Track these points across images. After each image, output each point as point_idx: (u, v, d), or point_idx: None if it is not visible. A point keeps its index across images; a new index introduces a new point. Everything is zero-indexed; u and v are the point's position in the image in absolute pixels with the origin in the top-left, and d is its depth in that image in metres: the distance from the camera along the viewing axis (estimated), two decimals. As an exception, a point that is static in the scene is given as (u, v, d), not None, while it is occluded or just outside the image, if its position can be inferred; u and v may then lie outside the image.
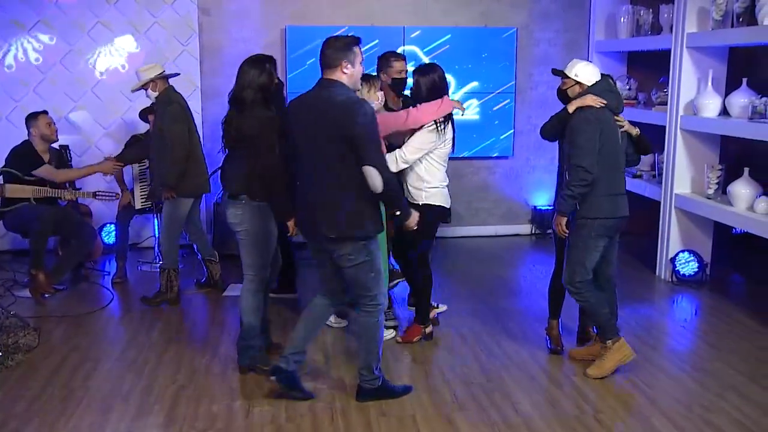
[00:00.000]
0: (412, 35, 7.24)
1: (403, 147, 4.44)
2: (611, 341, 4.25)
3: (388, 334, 4.79)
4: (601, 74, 4.26)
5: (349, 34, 3.75)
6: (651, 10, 6.76)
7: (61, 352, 4.57)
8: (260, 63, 4.15)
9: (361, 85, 4.52)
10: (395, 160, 4.39)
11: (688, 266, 6.08)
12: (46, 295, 5.59)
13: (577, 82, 4.22)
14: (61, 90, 6.82)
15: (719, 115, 5.77)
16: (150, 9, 6.88)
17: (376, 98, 4.53)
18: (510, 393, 4.06)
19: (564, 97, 4.33)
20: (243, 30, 7.12)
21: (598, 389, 4.13)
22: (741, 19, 5.43)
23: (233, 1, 7.11)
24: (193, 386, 4.12)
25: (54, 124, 5.83)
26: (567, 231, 4.21)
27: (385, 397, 3.94)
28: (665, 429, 3.67)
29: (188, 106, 5.45)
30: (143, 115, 6.06)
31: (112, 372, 4.31)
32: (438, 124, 4.45)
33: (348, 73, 3.61)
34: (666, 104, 6.23)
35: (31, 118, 5.76)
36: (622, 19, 7.06)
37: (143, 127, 6.28)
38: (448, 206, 4.64)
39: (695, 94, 5.95)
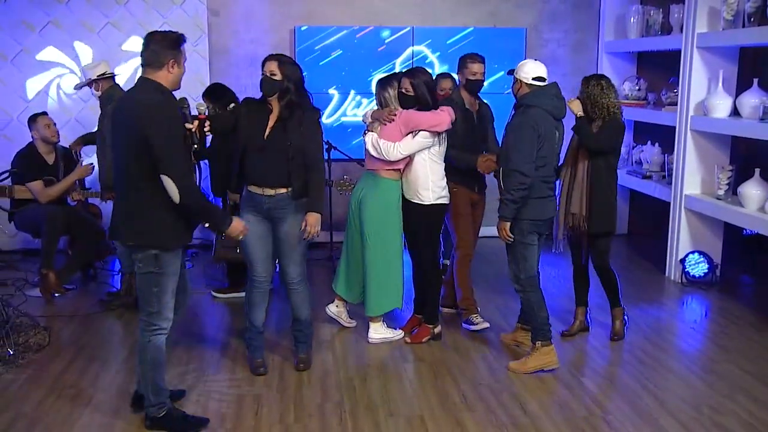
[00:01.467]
0: (421, 35, 7.24)
1: (402, 143, 4.48)
2: (540, 343, 4.29)
3: (397, 334, 4.81)
4: (548, 80, 4.27)
5: (174, 31, 3.46)
6: (661, 10, 6.74)
7: (71, 352, 4.59)
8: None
9: (387, 87, 4.55)
10: (395, 149, 4.47)
11: (698, 267, 6.05)
12: (57, 295, 5.62)
13: (518, 80, 4.26)
14: (69, 90, 6.85)
15: (730, 115, 5.75)
16: (159, 9, 6.90)
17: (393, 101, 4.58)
18: (518, 394, 4.05)
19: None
20: (252, 31, 7.13)
21: (607, 390, 4.12)
22: (752, 19, 5.40)
23: (242, 2, 7.12)
24: (201, 386, 4.13)
25: (54, 125, 5.85)
26: (512, 236, 4.26)
27: (174, 428, 3.61)
28: (673, 430, 3.66)
29: None
30: None
31: (120, 372, 4.32)
32: None
33: (173, 73, 3.38)
34: (676, 105, 6.20)
35: (31, 120, 5.79)
36: (631, 19, 7.04)
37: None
38: (448, 202, 4.74)
39: (706, 94, 5.92)
